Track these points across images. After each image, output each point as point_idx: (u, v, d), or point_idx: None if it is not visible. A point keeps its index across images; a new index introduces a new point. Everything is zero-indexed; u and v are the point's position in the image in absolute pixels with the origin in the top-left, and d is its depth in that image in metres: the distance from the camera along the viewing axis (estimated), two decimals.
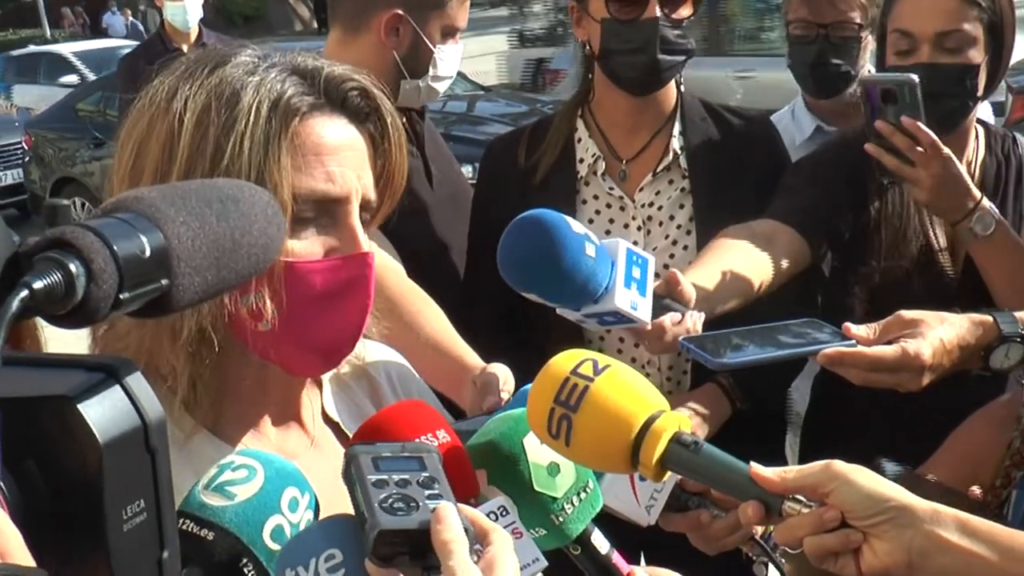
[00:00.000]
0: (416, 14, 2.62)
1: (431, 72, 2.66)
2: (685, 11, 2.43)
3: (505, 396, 1.89)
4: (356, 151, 1.40)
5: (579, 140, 2.57)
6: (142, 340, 1.33)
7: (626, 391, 1.28)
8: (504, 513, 1.28)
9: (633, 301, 1.70)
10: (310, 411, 1.52)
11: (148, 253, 0.69)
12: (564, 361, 1.31)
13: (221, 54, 1.38)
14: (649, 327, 1.77)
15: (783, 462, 1.23)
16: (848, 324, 1.81)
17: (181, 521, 1.14)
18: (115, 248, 0.67)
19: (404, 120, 2.79)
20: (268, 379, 1.43)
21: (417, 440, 1.28)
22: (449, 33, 2.66)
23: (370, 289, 1.41)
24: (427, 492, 1.14)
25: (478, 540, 1.13)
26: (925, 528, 1.23)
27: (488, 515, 1.25)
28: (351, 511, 1.20)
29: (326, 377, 1.57)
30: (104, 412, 0.68)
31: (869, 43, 2.95)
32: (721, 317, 2.13)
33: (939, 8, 2.29)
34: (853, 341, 1.78)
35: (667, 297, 1.85)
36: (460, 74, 13.36)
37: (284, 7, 32.46)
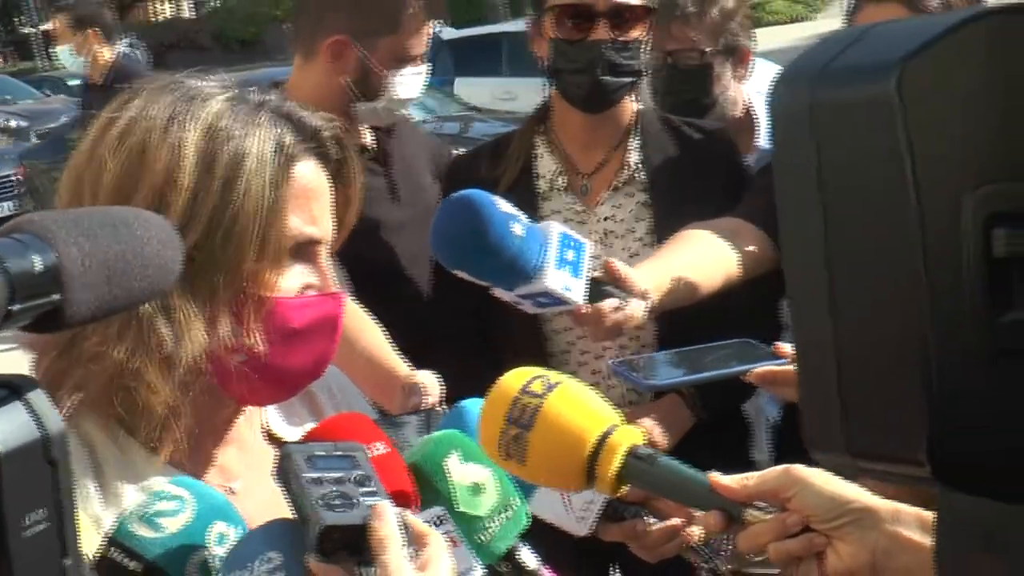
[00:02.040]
0: (362, 40, 2.64)
1: (386, 95, 2.68)
2: (635, 32, 2.45)
3: (431, 400, 1.93)
4: (327, 194, 1.46)
5: (539, 156, 2.61)
6: (122, 367, 1.33)
7: (579, 407, 1.30)
8: (441, 522, 1.31)
9: (566, 283, 1.73)
10: (253, 429, 1.55)
11: (40, 269, 0.73)
12: (514, 380, 1.33)
13: (202, 87, 1.42)
14: (586, 310, 1.80)
15: (747, 470, 1.25)
16: (779, 343, 1.83)
17: (111, 549, 1.18)
18: (6, 264, 0.71)
19: (372, 138, 2.84)
20: (218, 404, 1.45)
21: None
22: (404, 59, 2.67)
23: (339, 326, 1.46)
24: (362, 489, 1.20)
25: (414, 542, 1.17)
26: (888, 528, 1.22)
27: (426, 522, 1.28)
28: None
29: None
30: (3, 425, 0.72)
31: (727, 68, 2.91)
32: (682, 310, 2.17)
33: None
34: (785, 360, 1.78)
35: (608, 284, 1.88)
36: (453, 96, 13.26)
37: (280, 32, 32.60)
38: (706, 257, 2.24)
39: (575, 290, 1.76)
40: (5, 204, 13.35)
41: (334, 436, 1.33)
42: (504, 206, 1.69)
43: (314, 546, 1.15)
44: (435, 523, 1.31)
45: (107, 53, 6.53)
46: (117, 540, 1.19)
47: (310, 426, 1.62)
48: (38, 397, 0.75)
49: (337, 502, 1.17)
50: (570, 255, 1.75)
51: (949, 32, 0.65)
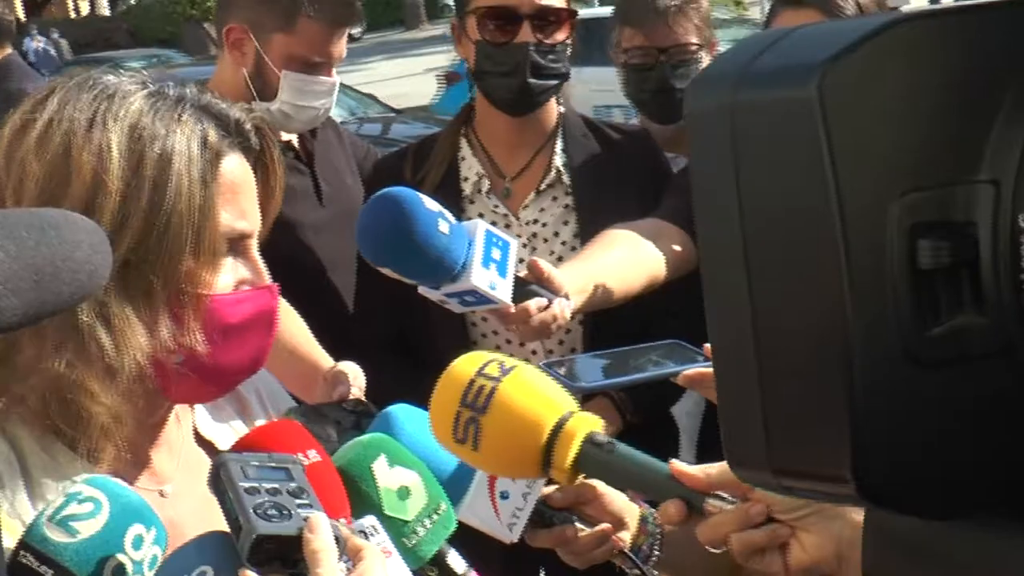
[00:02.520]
0: (257, 32, 2.64)
1: (279, 98, 2.65)
2: (560, 35, 2.45)
3: (355, 391, 1.90)
4: (254, 187, 1.44)
5: (463, 159, 2.59)
6: (62, 377, 1.29)
7: (534, 392, 1.27)
8: (374, 532, 1.29)
9: (492, 281, 1.73)
10: (180, 430, 1.52)
11: None
12: (468, 363, 1.30)
13: (120, 83, 1.38)
14: (512, 309, 1.79)
15: None
16: (708, 345, 1.82)
17: (22, 553, 1.14)
18: None
19: (297, 137, 2.81)
20: (153, 406, 1.42)
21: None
22: (304, 63, 2.65)
23: (275, 319, 1.44)
24: (297, 501, 1.17)
25: (350, 555, 1.15)
26: (853, 518, 1.17)
27: (359, 532, 1.26)
28: (224, 528, 1.21)
29: None
30: None
31: (705, 62, 2.92)
32: (610, 311, 2.17)
33: None
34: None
35: (534, 283, 1.87)
36: (372, 97, 13.23)
37: (198, 31, 32.20)
38: (628, 259, 2.23)
39: (501, 289, 1.75)
40: None
41: (267, 443, 1.31)
42: (430, 204, 1.68)
43: (246, 556, 1.12)
44: (368, 533, 1.28)
45: None
46: (29, 544, 1.14)
47: (237, 424, 1.60)
48: None
49: (272, 512, 1.15)
50: (496, 254, 1.74)
51: (871, 35, 0.63)
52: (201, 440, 1.54)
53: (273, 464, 1.22)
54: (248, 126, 1.43)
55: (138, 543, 1.17)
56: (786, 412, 0.68)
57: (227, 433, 1.56)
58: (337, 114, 11.12)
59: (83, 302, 0.88)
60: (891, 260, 0.63)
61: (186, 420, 1.54)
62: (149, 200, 1.30)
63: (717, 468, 1.25)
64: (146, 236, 1.30)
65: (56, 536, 1.14)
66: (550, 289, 1.89)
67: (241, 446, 1.33)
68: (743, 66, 0.69)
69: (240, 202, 1.39)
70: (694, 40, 2.89)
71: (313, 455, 1.32)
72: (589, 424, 1.27)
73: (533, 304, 1.83)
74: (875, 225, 0.63)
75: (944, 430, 0.64)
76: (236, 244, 1.40)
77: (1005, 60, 0.63)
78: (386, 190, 1.70)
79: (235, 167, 1.40)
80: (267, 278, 1.43)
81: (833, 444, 0.64)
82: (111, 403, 1.31)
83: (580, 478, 1.28)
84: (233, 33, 2.66)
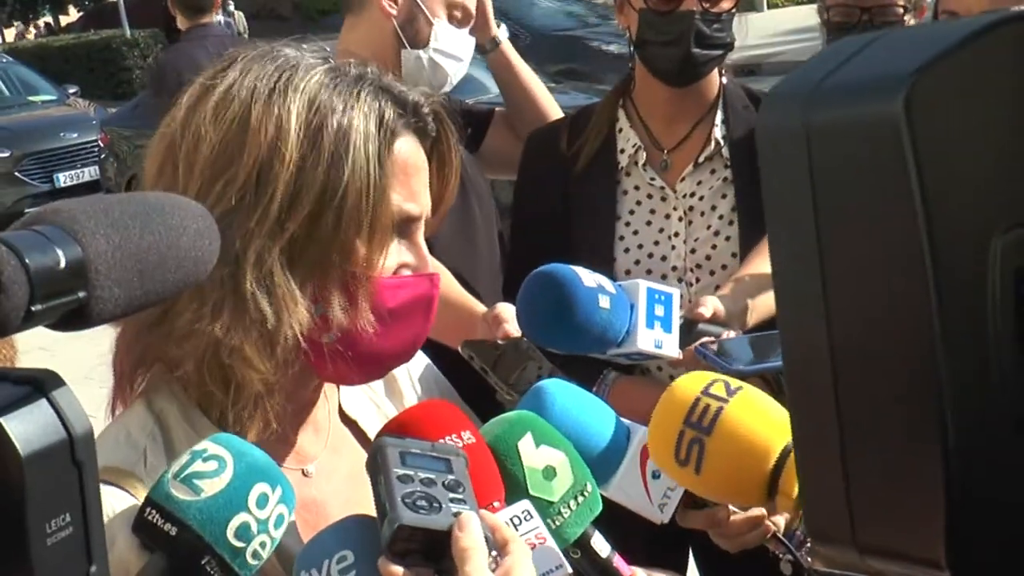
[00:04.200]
0: None
1: (431, 45, 2.67)
2: (725, 4, 2.37)
3: (517, 331, 1.86)
4: (426, 171, 1.42)
5: (620, 130, 2.53)
6: (219, 342, 1.29)
7: (762, 415, 1.23)
8: (528, 517, 1.26)
9: (657, 340, 1.70)
10: (326, 409, 1.51)
11: (63, 265, 0.67)
12: (692, 382, 1.27)
13: (299, 58, 1.38)
14: (679, 356, 1.75)
15: None
16: None
17: (147, 511, 1.14)
18: (27, 260, 0.65)
19: None
20: (299, 384, 1.41)
21: (444, 440, 1.26)
22: (455, 14, 2.69)
23: (434, 307, 1.42)
24: (451, 495, 1.14)
25: (497, 549, 1.12)
26: None
27: (512, 518, 1.24)
28: (367, 510, 1.18)
29: None
30: (27, 425, 0.67)
31: (910, 24, 2.82)
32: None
33: None
34: None
35: (700, 321, 1.85)
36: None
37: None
38: None
39: (667, 344, 1.72)
40: (87, 170, 13.58)
41: (419, 422, 1.29)
42: (588, 279, 1.65)
43: (386, 544, 1.10)
44: (523, 518, 1.25)
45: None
46: (154, 501, 1.14)
47: (384, 402, 1.58)
48: (65, 395, 0.70)
49: (421, 503, 1.12)
50: (659, 310, 1.71)
51: (971, 38, 0.54)
52: (346, 419, 1.53)
53: (434, 454, 1.19)
54: (426, 109, 1.41)
55: (263, 502, 1.16)
56: (872, 483, 0.59)
57: (372, 412, 1.55)
58: (487, 81, 11.19)
59: (188, 290, 0.86)
60: (992, 307, 0.54)
61: (332, 398, 1.52)
62: (325, 173, 1.29)
63: None
64: (319, 210, 1.29)
65: (180, 494, 1.13)
66: (717, 323, 1.87)
67: (393, 425, 1.31)
68: (819, 80, 0.60)
69: (411, 184, 1.38)
70: (900, 0, 2.76)
71: (467, 436, 1.29)
72: None
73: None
74: (974, 266, 0.54)
75: None
76: (403, 227, 1.38)
77: None
78: (544, 269, 1.66)
79: (409, 149, 1.38)
80: (430, 265, 1.41)
81: (926, 522, 0.56)
82: (266, 371, 1.30)
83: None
84: None
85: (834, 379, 0.59)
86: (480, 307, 2.18)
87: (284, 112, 1.30)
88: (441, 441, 1.26)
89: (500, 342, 1.81)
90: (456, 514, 1.11)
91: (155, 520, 1.13)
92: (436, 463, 1.18)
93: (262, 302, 1.27)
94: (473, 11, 2.72)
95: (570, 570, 1.28)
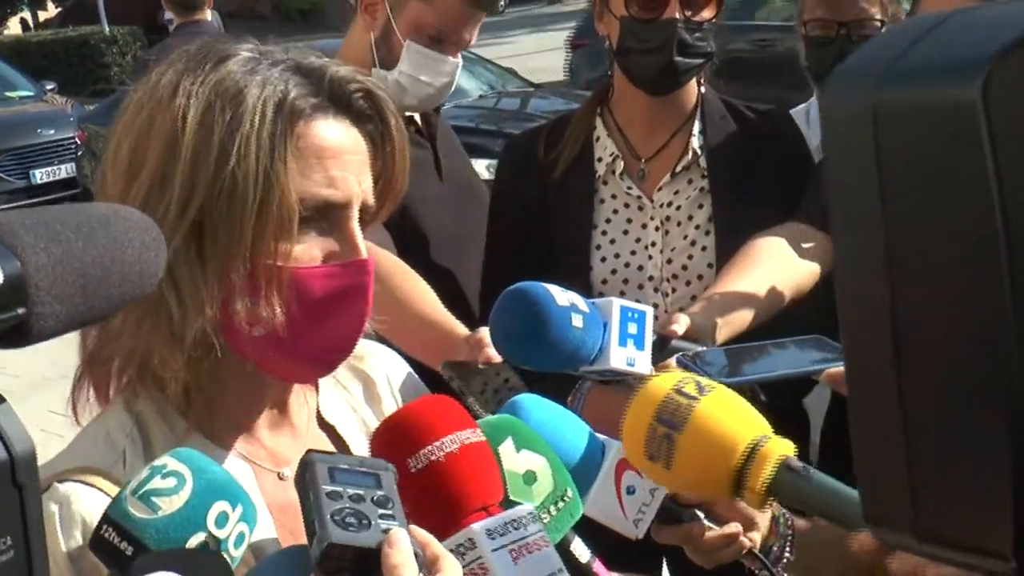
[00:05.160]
0: None
1: (398, 68, 2.62)
2: (707, 13, 2.38)
3: (499, 357, 1.86)
4: (357, 154, 1.37)
5: (598, 138, 2.54)
6: (136, 342, 1.31)
7: (732, 413, 1.25)
8: (530, 520, 1.24)
9: (630, 357, 1.70)
10: (304, 413, 1.50)
11: (1, 280, 0.65)
12: (665, 380, 1.28)
13: (222, 50, 1.35)
14: (652, 372, 1.76)
15: (806, 458, 1.19)
16: None
17: (104, 528, 1.11)
18: None
19: (418, 113, 2.79)
20: (262, 383, 1.41)
21: (450, 436, 1.25)
22: (433, 37, 2.62)
23: (369, 296, 1.38)
24: (380, 511, 1.12)
25: (427, 566, 1.10)
26: None
27: (512, 523, 1.22)
28: None
29: (323, 379, 1.55)
30: None
31: None
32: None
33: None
34: None
35: (673, 338, 1.85)
36: (512, 71, 13.25)
37: (342, 3, 32.55)
38: (771, 276, 2.17)
39: (639, 362, 1.73)
40: (64, 167, 13.48)
41: (421, 418, 1.27)
42: (562, 298, 1.65)
43: (316, 562, 1.07)
44: (525, 522, 1.23)
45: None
46: (111, 519, 1.12)
47: (363, 408, 1.57)
48: (4, 412, 0.67)
49: (351, 520, 1.09)
50: (632, 328, 1.70)
51: None
52: (324, 424, 1.52)
53: (363, 469, 1.17)
54: (352, 88, 1.37)
55: (223, 520, 1.14)
56: (937, 469, 0.58)
57: (350, 417, 1.54)
58: (476, 88, 11.15)
59: (134, 302, 0.85)
60: None
61: (311, 402, 1.52)
62: (215, 163, 1.27)
63: None
64: (212, 200, 1.27)
65: (138, 511, 1.11)
66: (690, 340, 1.87)
67: (397, 420, 1.29)
68: (892, 58, 0.59)
69: (329, 168, 1.33)
70: (877, 15, 2.78)
71: (472, 435, 1.27)
72: (785, 448, 1.23)
73: (673, 363, 1.80)
74: None
75: None
76: (325, 213, 1.34)
77: None
78: (518, 287, 1.66)
79: (326, 131, 1.34)
80: (363, 253, 1.36)
81: (993, 512, 0.55)
82: (176, 369, 1.30)
83: (772, 503, 1.24)
84: None
85: (898, 366, 0.58)
86: (461, 328, 2.16)
87: (185, 108, 1.28)
88: (449, 436, 1.24)
89: (481, 366, 1.80)
90: (386, 530, 1.09)
91: (111, 538, 1.11)
92: (365, 478, 1.16)
93: (170, 299, 1.27)
94: (452, 33, 2.63)
95: (567, 575, 1.26)
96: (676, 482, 1.27)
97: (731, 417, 1.23)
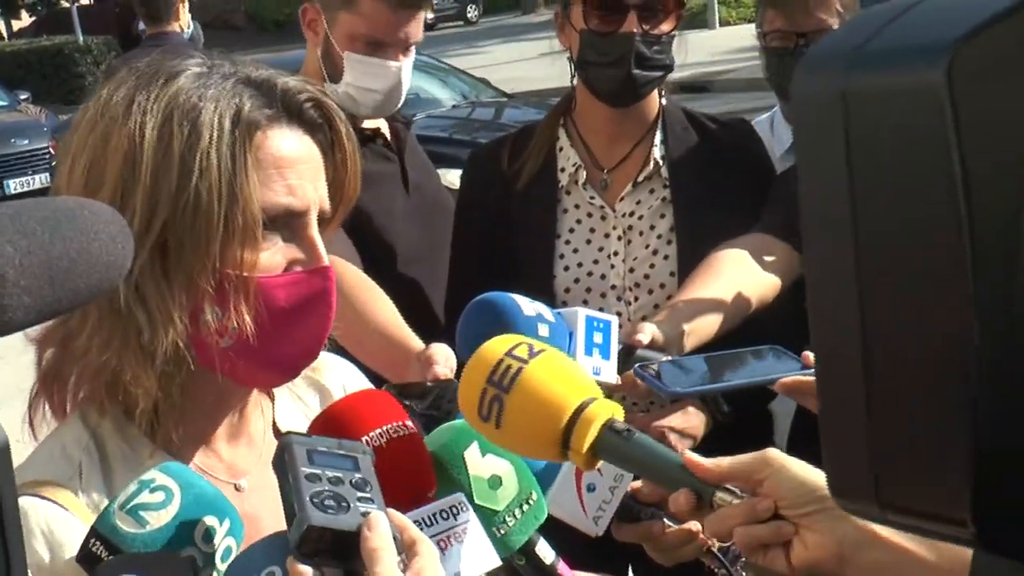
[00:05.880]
0: (326, 11, 2.63)
1: (344, 79, 2.63)
2: (665, 27, 2.40)
3: (447, 373, 1.88)
4: (312, 163, 1.39)
5: (561, 149, 2.56)
6: (106, 360, 1.31)
7: (560, 376, 1.26)
8: (460, 510, 1.27)
9: (595, 367, 1.72)
10: (261, 424, 1.51)
11: None
12: (499, 344, 1.29)
13: (172, 66, 1.37)
14: (618, 382, 1.78)
15: None
16: (808, 352, 1.77)
17: (92, 542, 1.13)
18: None
19: (388, 125, 2.80)
20: (229, 394, 1.42)
21: (382, 428, 1.27)
22: (369, 43, 2.62)
23: (332, 302, 1.40)
24: (359, 494, 1.13)
25: (405, 550, 1.12)
26: (859, 521, 1.14)
27: (440, 512, 1.25)
28: None
29: (279, 388, 1.56)
30: None
31: None
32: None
33: None
34: (813, 369, 1.74)
35: (638, 347, 1.87)
36: (485, 81, 13.25)
37: None
38: (734, 286, 2.19)
39: (605, 371, 1.75)
40: (38, 177, 13.45)
41: (356, 412, 1.29)
42: (528, 308, 1.67)
43: (295, 545, 1.08)
44: (454, 511, 1.26)
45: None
46: (100, 533, 1.13)
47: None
48: None
49: (330, 503, 1.10)
50: (597, 337, 1.74)
51: (1018, 7, 0.54)
52: (279, 434, 1.53)
53: (342, 452, 1.18)
54: (302, 98, 1.39)
55: (210, 535, 1.15)
56: (898, 443, 0.60)
57: (305, 427, 1.55)
58: (449, 98, 11.13)
59: (102, 296, 0.85)
60: None
61: (267, 413, 1.53)
62: (177, 178, 1.28)
63: (728, 461, 1.24)
64: (176, 215, 1.28)
65: (126, 526, 1.12)
66: (655, 349, 1.89)
67: (331, 413, 1.31)
68: (859, 44, 0.60)
69: (287, 177, 1.35)
70: (836, 24, 2.78)
71: (406, 425, 1.30)
72: (610, 410, 1.25)
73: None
74: (1011, 239, 0.55)
75: None
76: (287, 222, 1.36)
77: None
78: (484, 298, 1.68)
79: (281, 141, 1.36)
80: (325, 259, 1.38)
81: (952, 482, 0.57)
82: (149, 385, 1.31)
83: (598, 463, 1.26)
84: (308, 13, 2.68)
85: (863, 342, 0.60)
86: (417, 344, 2.17)
87: (141, 123, 1.29)
88: (377, 430, 1.26)
89: (429, 384, 1.82)
90: (365, 514, 1.10)
91: (99, 552, 1.12)
92: (343, 461, 1.17)
93: (138, 315, 1.28)
94: (388, 37, 2.62)
95: (499, 562, 1.29)
96: (507, 441, 1.28)
97: (559, 380, 1.25)
